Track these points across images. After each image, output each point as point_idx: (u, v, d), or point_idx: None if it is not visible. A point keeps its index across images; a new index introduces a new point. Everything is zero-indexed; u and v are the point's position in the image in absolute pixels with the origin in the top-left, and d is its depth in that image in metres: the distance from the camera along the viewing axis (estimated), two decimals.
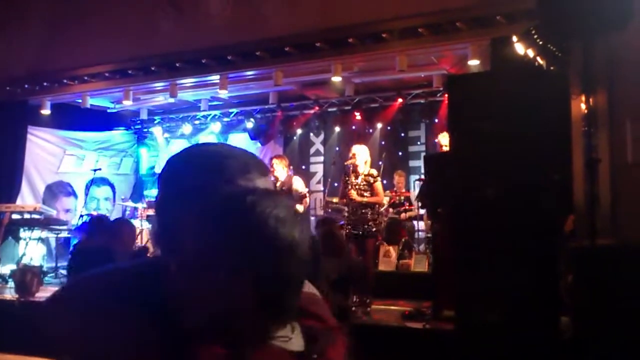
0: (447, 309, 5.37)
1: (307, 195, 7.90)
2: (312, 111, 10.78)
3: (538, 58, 5.86)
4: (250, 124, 11.09)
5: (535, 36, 5.68)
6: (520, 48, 6.09)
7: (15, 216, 9.71)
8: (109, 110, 11.86)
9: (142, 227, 9.46)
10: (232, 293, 1.04)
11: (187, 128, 11.76)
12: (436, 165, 5.83)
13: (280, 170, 7.87)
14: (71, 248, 6.84)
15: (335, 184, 9.21)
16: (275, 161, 7.95)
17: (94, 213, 10.29)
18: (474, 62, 7.63)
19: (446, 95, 8.08)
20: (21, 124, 11.01)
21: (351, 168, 6.85)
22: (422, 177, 7.60)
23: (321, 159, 11.14)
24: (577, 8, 4.36)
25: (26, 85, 10.63)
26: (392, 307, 6.51)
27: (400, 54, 7.97)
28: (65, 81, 10.33)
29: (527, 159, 4.49)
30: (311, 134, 11.28)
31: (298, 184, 7.81)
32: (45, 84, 10.53)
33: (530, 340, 4.17)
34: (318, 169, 11.16)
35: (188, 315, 1.07)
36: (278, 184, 7.83)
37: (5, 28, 11.07)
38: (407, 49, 7.85)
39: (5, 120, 10.87)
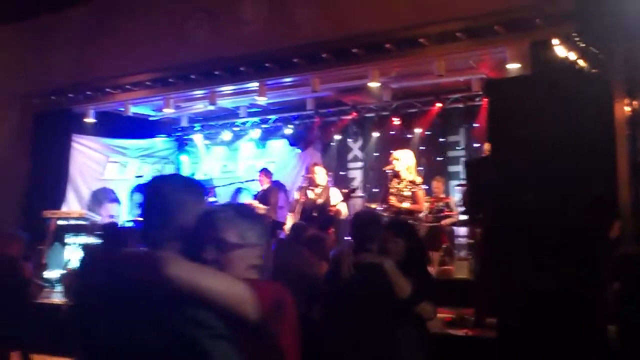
0: (490, 316, 5.32)
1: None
2: (349, 117, 10.79)
3: (579, 61, 5.77)
4: (288, 130, 11.16)
5: (577, 39, 5.60)
6: (561, 51, 6.01)
7: (61, 222, 9.96)
8: (150, 118, 12.08)
9: None
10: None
11: (226, 135, 11.90)
12: (476, 170, 5.78)
13: (322, 177, 7.89)
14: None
15: (374, 190, 9.21)
16: (317, 168, 8.00)
17: (138, 219, 10.48)
18: (513, 66, 7.54)
19: (485, 99, 7.99)
20: (66, 132, 11.30)
21: (391, 174, 6.82)
22: (463, 182, 7.54)
23: (359, 164, 11.14)
24: (619, 10, 4.28)
25: (70, 95, 10.90)
26: None
27: (438, 59, 7.93)
28: (107, 90, 10.57)
29: (570, 163, 4.43)
30: (349, 140, 11.28)
31: (335, 197, 7.86)
32: (88, 93, 10.79)
33: (576, 348, 4.10)
34: (356, 174, 11.15)
35: None
36: (317, 190, 7.84)
37: (50, 39, 11.40)
38: (445, 53, 7.80)
39: (51, 129, 11.18)
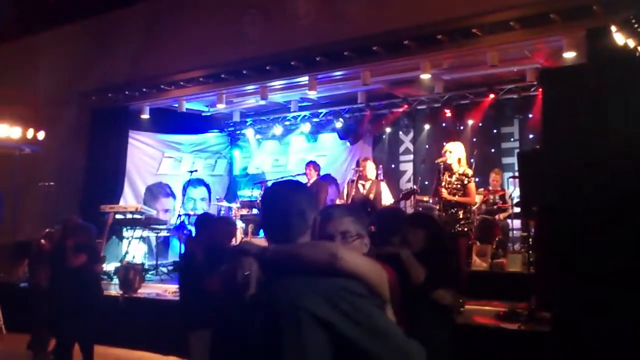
0: (544, 310, 5.22)
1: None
2: (400, 109, 10.71)
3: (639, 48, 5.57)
4: (339, 124, 11.16)
5: (636, 25, 5.40)
6: (619, 38, 5.81)
7: (118, 216, 10.26)
8: (203, 114, 12.28)
9: (237, 226, 9.72)
10: None
11: (277, 129, 11.99)
12: (531, 162, 5.66)
13: (371, 171, 7.86)
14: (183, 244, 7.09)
15: (426, 182, 9.13)
16: (367, 162, 7.98)
17: (191, 213, 10.71)
18: (569, 55, 7.34)
19: (540, 89, 7.81)
20: (123, 128, 11.61)
21: (443, 166, 6.74)
22: (516, 174, 7.38)
23: (411, 157, 11.05)
24: None
25: (127, 92, 11.20)
26: (486, 308, 6.38)
27: (492, 49, 7.79)
28: (162, 87, 10.81)
29: (627, 154, 4.28)
30: (400, 133, 11.21)
31: (385, 193, 7.84)
32: (144, 90, 11.05)
33: (634, 345, 3.98)
34: (408, 167, 11.08)
35: None
36: (367, 185, 7.81)
37: (107, 38, 11.71)
38: (498, 43, 7.66)
39: (108, 126, 11.51)
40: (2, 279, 9.08)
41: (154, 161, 12.17)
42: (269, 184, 8.37)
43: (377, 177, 8.04)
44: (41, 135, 12.41)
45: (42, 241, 8.10)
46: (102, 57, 11.68)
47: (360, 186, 7.82)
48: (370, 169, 7.88)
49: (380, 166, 8.48)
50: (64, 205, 11.90)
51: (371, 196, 7.67)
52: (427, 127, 10.73)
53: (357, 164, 8.14)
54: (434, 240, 3.98)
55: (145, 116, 11.36)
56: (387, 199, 7.81)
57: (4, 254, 9.43)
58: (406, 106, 10.60)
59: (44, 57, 13.23)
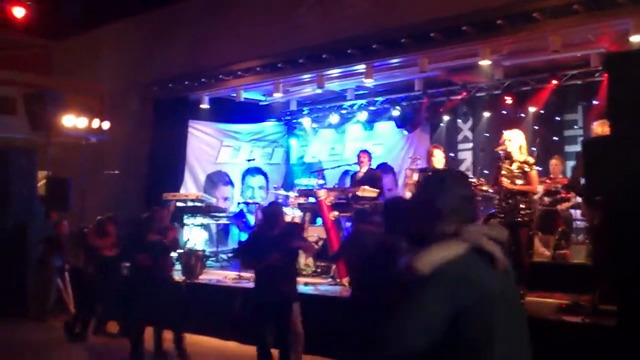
0: (608, 303, 5.07)
1: None
2: (459, 97, 10.54)
3: None
4: (396, 112, 11.08)
5: None
6: None
7: (179, 204, 10.51)
8: (260, 103, 12.41)
9: (294, 214, 9.81)
10: None
11: (334, 118, 12.00)
12: (596, 150, 5.48)
13: (440, 159, 7.71)
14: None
15: (485, 171, 8.96)
16: (436, 150, 7.75)
17: (250, 201, 10.86)
18: (636, 38, 7.06)
19: (606, 75, 7.54)
20: (183, 118, 11.88)
21: (503, 154, 6.59)
22: (579, 163, 7.14)
23: (470, 145, 10.87)
24: None
25: (186, 82, 11.44)
26: (548, 300, 6.26)
27: (554, 34, 7.57)
28: (220, 77, 10.99)
29: None
30: (459, 120, 11.03)
31: None
32: (203, 80, 11.26)
33: None
34: (466, 156, 10.90)
35: None
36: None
37: (168, 30, 11.96)
38: (560, 28, 7.44)
39: (169, 115, 11.80)
40: (73, 264, 9.47)
41: (213, 150, 12.40)
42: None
43: (444, 166, 7.89)
44: (106, 125, 12.81)
45: (86, 229, 8.55)
46: (163, 49, 11.94)
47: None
48: (439, 158, 7.71)
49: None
50: (128, 193, 12.29)
51: None
52: (486, 114, 10.51)
53: (427, 153, 7.93)
54: None
55: (205, 106, 11.57)
56: None
57: (73, 239, 9.80)
58: (465, 93, 10.42)
59: (108, 50, 13.63)
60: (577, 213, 8.44)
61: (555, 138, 9.92)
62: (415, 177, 7.87)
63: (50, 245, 9.64)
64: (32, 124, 11.69)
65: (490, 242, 1.99)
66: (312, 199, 9.29)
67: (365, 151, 9.12)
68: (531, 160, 6.57)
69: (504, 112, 10.23)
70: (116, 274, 7.98)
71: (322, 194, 9.02)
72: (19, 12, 10.32)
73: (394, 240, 3.89)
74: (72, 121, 12.16)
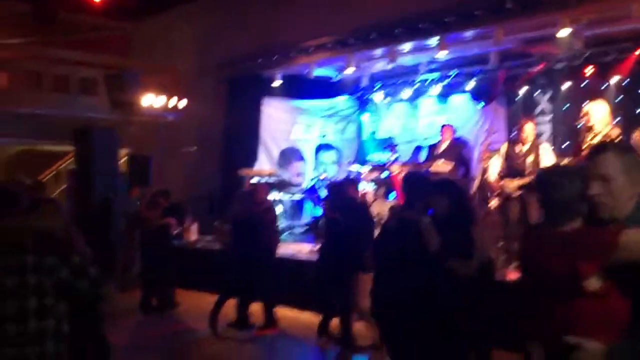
0: None
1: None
2: (536, 69, 10.19)
3: None
4: (471, 85, 10.86)
5: None
6: None
7: (254, 180, 10.73)
8: (332, 79, 12.42)
9: (367, 189, 9.86)
10: None
11: (406, 92, 11.88)
12: None
13: (530, 135, 7.51)
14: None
15: (565, 145, 8.72)
16: (527, 125, 7.51)
17: (323, 177, 10.97)
18: None
19: None
20: (256, 95, 12.07)
21: (584, 127, 6.39)
22: None
23: (548, 118, 10.53)
24: None
25: (259, 60, 11.58)
26: None
27: (636, 1, 7.21)
28: (293, 54, 11.07)
29: None
30: (536, 93, 10.68)
31: (546, 155, 7.35)
32: (275, 57, 11.37)
33: None
34: (545, 129, 10.57)
35: None
36: (525, 148, 7.46)
37: (240, 9, 12.13)
38: None
39: (242, 94, 12.01)
40: None
41: (286, 126, 12.55)
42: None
43: (536, 138, 7.69)
44: (182, 103, 13.19)
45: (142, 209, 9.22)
46: (236, 28, 12.13)
47: (517, 147, 7.51)
48: (529, 131, 7.52)
49: (515, 128, 8.13)
50: (205, 169, 12.66)
51: (529, 159, 7.35)
52: (565, 86, 10.14)
53: (519, 128, 7.73)
54: (457, 208, 4.06)
55: (277, 83, 11.70)
56: (548, 162, 7.30)
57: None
58: (542, 65, 10.08)
59: (183, 30, 13.98)
60: None
61: (639, 110, 9.50)
62: (504, 148, 7.70)
63: (134, 220, 10.08)
64: (113, 103, 12.17)
65: None
66: (385, 174, 9.30)
67: (447, 125, 9.03)
68: (615, 132, 6.35)
69: (584, 83, 9.86)
70: (162, 245, 8.49)
71: (395, 168, 9.04)
72: None
73: (416, 215, 3.93)
74: (150, 100, 12.58)
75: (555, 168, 3.33)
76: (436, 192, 4.10)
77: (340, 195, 6.47)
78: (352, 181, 6.96)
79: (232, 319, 7.43)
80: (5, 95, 14.46)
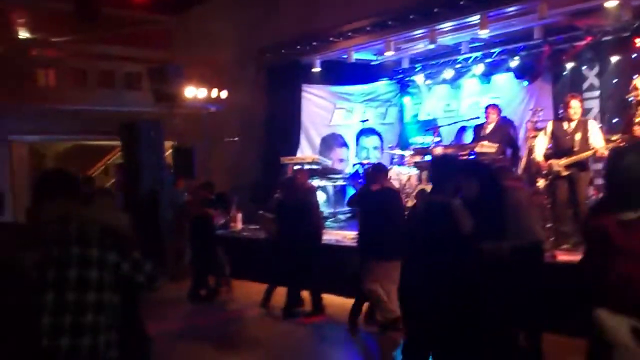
0: None
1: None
2: (583, 42, 9.85)
3: None
4: (514, 63, 10.59)
5: None
6: None
7: (296, 167, 10.72)
8: (372, 63, 12.29)
9: (410, 173, 9.75)
10: None
11: (448, 73, 11.67)
12: None
13: (577, 111, 7.28)
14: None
15: (614, 121, 8.42)
16: (572, 101, 7.25)
17: (365, 162, 10.89)
18: None
19: None
20: (296, 83, 12.06)
21: (635, 101, 6.14)
22: None
23: (596, 93, 10.19)
24: None
25: (298, 47, 11.55)
26: None
27: None
28: (331, 39, 11.00)
29: None
30: (583, 68, 10.35)
31: (594, 133, 7.09)
32: (314, 43, 11.33)
33: None
34: (593, 104, 10.24)
35: None
36: (573, 125, 7.23)
37: None
38: None
39: (283, 81, 12.02)
40: None
41: (326, 113, 12.51)
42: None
43: (583, 115, 7.44)
44: (224, 94, 13.27)
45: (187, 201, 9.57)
46: (274, 16, 12.11)
47: (564, 124, 7.29)
48: (575, 108, 7.29)
49: (562, 105, 7.87)
50: (248, 159, 12.73)
51: (577, 137, 7.14)
52: (614, 59, 9.78)
53: (565, 104, 7.51)
54: (487, 190, 4.06)
55: (317, 69, 11.65)
56: (596, 139, 7.06)
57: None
58: (589, 38, 9.73)
59: (222, 21, 14.03)
60: None
61: None
62: (550, 127, 7.49)
63: (181, 211, 10.22)
64: (157, 97, 12.32)
65: None
66: (428, 157, 9.17)
67: (492, 105, 8.83)
68: None
69: (634, 55, 9.48)
70: (207, 235, 8.58)
71: (438, 151, 8.89)
72: None
73: (446, 198, 3.86)
74: (192, 92, 12.69)
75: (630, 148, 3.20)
76: (465, 175, 4.03)
77: (373, 179, 6.60)
78: (377, 170, 6.90)
79: (283, 305, 7.53)
80: (54, 92, 14.82)
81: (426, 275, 3.87)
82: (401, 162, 10.31)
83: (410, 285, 4.07)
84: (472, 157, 8.11)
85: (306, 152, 11.94)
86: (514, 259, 5.12)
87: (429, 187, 9.09)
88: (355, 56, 11.18)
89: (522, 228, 5.23)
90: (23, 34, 16.72)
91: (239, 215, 10.96)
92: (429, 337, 4.01)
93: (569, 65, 10.26)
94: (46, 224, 2.61)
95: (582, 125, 7.16)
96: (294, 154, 11.56)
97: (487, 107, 8.84)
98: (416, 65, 12.31)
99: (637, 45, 9.23)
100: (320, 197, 11.15)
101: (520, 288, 5.09)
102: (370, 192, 6.52)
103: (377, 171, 6.75)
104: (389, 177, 7.01)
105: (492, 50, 10.95)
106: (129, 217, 2.75)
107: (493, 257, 3.94)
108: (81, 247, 2.56)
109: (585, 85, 10.29)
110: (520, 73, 10.64)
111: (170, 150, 13.13)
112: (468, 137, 10.63)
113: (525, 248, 5.15)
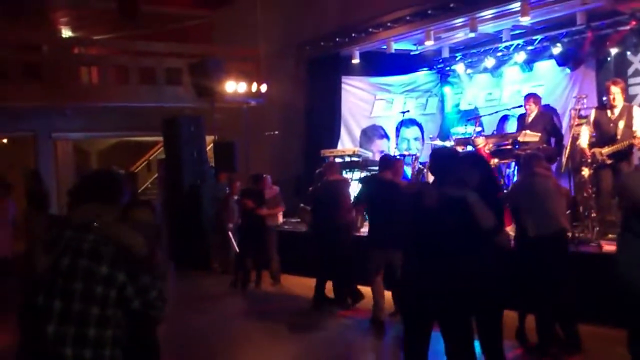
0: None
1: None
2: (628, 27, 9.58)
3: None
4: (557, 50, 10.38)
5: None
6: None
7: (337, 160, 10.76)
8: (412, 53, 12.20)
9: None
10: None
11: (489, 61, 11.51)
12: None
13: (618, 97, 7.12)
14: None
15: None
16: (614, 87, 7.08)
17: (406, 153, 10.86)
18: None
19: None
20: (336, 75, 12.08)
21: None
22: None
23: None
24: None
25: (337, 39, 11.56)
26: None
27: None
28: (370, 30, 10.97)
29: None
30: (628, 53, 10.07)
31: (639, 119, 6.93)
32: (353, 35, 11.33)
33: None
34: (638, 90, 10.00)
35: None
36: (616, 111, 7.07)
37: None
38: None
39: (322, 73, 12.05)
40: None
41: (366, 104, 12.49)
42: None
43: (627, 101, 7.27)
44: (264, 88, 13.38)
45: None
46: (313, 8, 12.16)
47: (609, 112, 7.15)
48: (616, 93, 7.12)
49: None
50: (288, 152, 12.83)
51: (620, 124, 6.99)
52: None
53: (607, 91, 7.35)
54: (488, 181, 4.03)
55: (356, 61, 11.64)
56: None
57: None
58: (634, 23, 9.46)
59: (262, 15, 14.15)
60: None
61: None
62: (592, 114, 7.35)
63: (224, 205, 10.38)
64: (197, 92, 12.50)
65: None
66: (469, 147, 9.09)
67: (531, 95, 8.70)
68: None
69: None
70: (261, 229, 8.84)
71: (480, 141, 8.81)
72: None
73: (460, 192, 3.83)
74: (233, 87, 12.82)
75: None
76: (466, 167, 4.02)
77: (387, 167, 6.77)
78: (389, 163, 6.92)
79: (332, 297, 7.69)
80: (96, 90, 15.15)
81: (443, 272, 3.81)
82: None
83: (427, 281, 3.96)
84: (515, 147, 8.02)
85: (347, 144, 11.96)
86: (537, 248, 5.12)
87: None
88: (395, 46, 11.13)
89: (547, 215, 5.22)
90: (66, 32, 17.17)
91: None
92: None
93: (613, 51, 10.01)
94: (66, 231, 2.63)
95: (626, 112, 7.00)
96: (335, 146, 11.60)
97: (525, 97, 8.72)
98: (456, 55, 12.17)
99: None
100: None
101: (541, 276, 5.11)
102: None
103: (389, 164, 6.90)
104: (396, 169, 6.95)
105: (534, 38, 10.76)
106: (144, 242, 2.71)
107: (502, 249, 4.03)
108: (91, 262, 2.56)
109: (630, 70, 10.03)
110: (562, 60, 10.43)
111: (211, 145, 13.33)
112: (510, 126, 10.50)
113: (549, 237, 5.15)
